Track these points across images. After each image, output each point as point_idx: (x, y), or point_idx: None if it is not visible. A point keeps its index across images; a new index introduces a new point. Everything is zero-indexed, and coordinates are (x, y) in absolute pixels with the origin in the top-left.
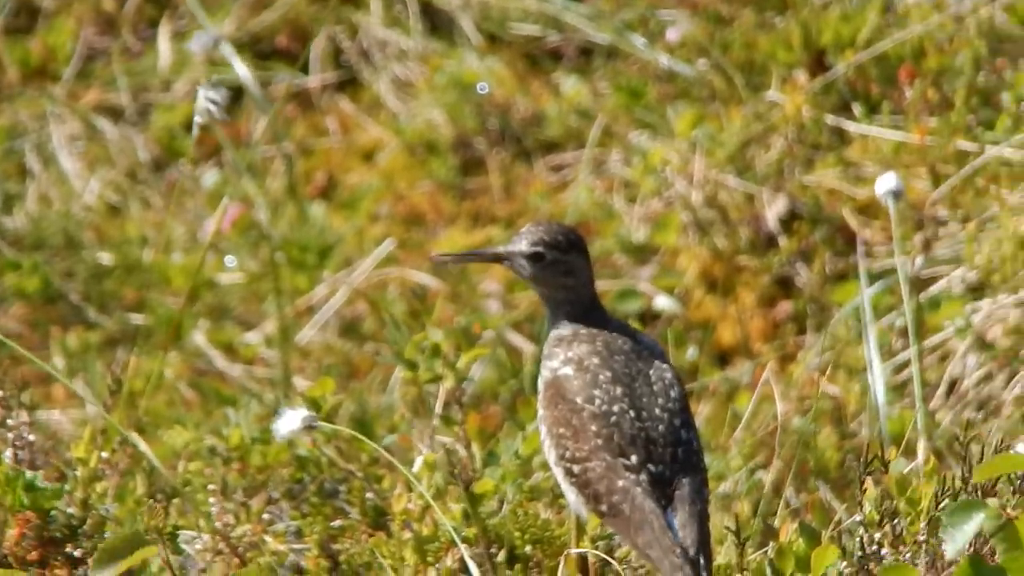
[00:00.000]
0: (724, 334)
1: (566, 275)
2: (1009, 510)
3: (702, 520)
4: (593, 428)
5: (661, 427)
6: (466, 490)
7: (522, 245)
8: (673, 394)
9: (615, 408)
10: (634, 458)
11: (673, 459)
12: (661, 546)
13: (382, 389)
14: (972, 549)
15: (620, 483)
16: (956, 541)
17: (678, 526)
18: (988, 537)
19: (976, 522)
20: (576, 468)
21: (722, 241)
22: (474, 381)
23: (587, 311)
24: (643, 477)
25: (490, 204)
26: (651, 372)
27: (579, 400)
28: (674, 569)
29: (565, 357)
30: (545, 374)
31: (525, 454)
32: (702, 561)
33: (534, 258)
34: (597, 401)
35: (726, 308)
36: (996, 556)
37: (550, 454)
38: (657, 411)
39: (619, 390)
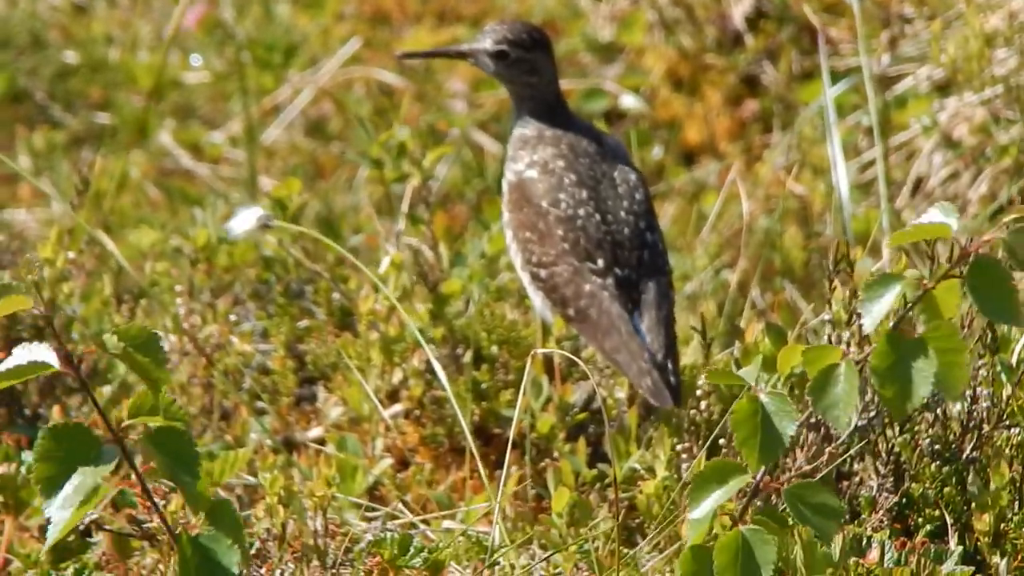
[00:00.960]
0: (690, 133)
1: (530, 73)
2: (928, 282)
3: (668, 324)
4: (559, 232)
5: (627, 230)
6: (432, 290)
7: (486, 43)
8: (638, 196)
9: (581, 211)
10: (600, 262)
11: (639, 262)
12: (628, 351)
13: (348, 188)
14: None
15: (587, 287)
16: (873, 314)
17: (645, 330)
18: (908, 308)
19: (893, 294)
20: (543, 273)
21: (688, 40)
22: (440, 181)
23: (551, 110)
24: (609, 281)
25: (456, 2)
26: (616, 174)
27: (544, 204)
28: (641, 374)
29: (530, 160)
30: (509, 176)
31: (491, 254)
32: (669, 365)
33: (498, 56)
34: (563, 204)
35: (692, 107)
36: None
37: (516, 258)
38: (622, 214)
39: (584, 193)
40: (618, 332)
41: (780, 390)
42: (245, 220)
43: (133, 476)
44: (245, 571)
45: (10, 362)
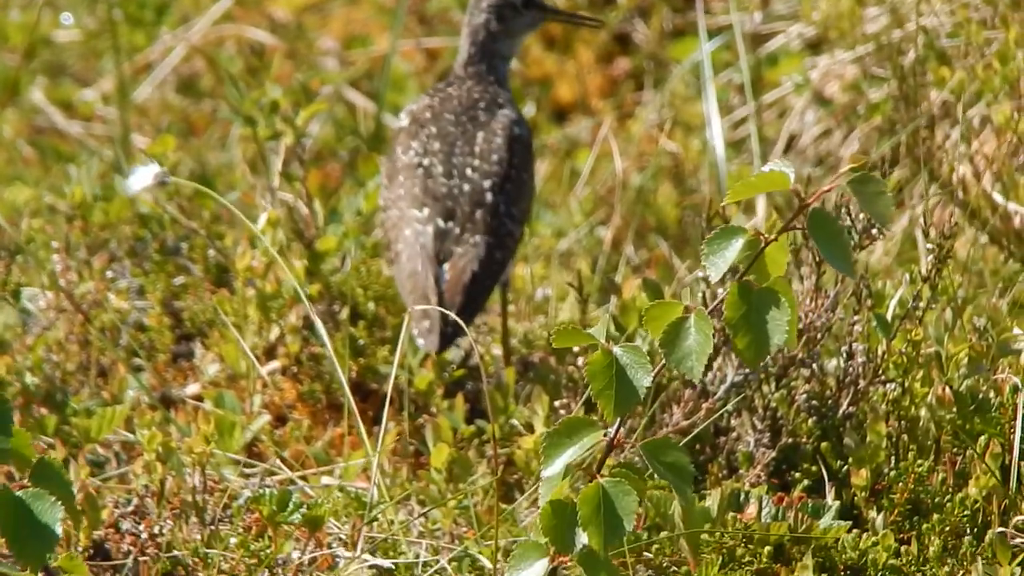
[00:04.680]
0: (562, 91)
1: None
2: (767, 235)
3: (475, 280)
4: (401, 178)
5: (467, 187)
6: (308, 247)
7: None
8: (494, 158)
9: (426, 161)
10: (426, 211)
11: (470, 219)
12: (418, 295)
13: (221, 146)
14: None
15: (407, 232)
16: (717, 267)
17: (446, 281)
18: (753, 259)
19: (736, 247)
20: (383, 216)
21: None
22: (313, 139)
23: (462, 66)
24: (428, 230)
25: None
26: (480, 134)
27: (399, 151)
28: (420, 317)
29: (408, 109)
30: (395, 124)
31: (366, 211)
32: (452, 316)
33: None
34: (412, 153)
35: (564, 65)
36: None
37: (379, 203)
38: (469, 171)
39: (437, 145)
40: (416, 276)
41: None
42: (142, 177)
43: None
44: (78, 530)
45: None
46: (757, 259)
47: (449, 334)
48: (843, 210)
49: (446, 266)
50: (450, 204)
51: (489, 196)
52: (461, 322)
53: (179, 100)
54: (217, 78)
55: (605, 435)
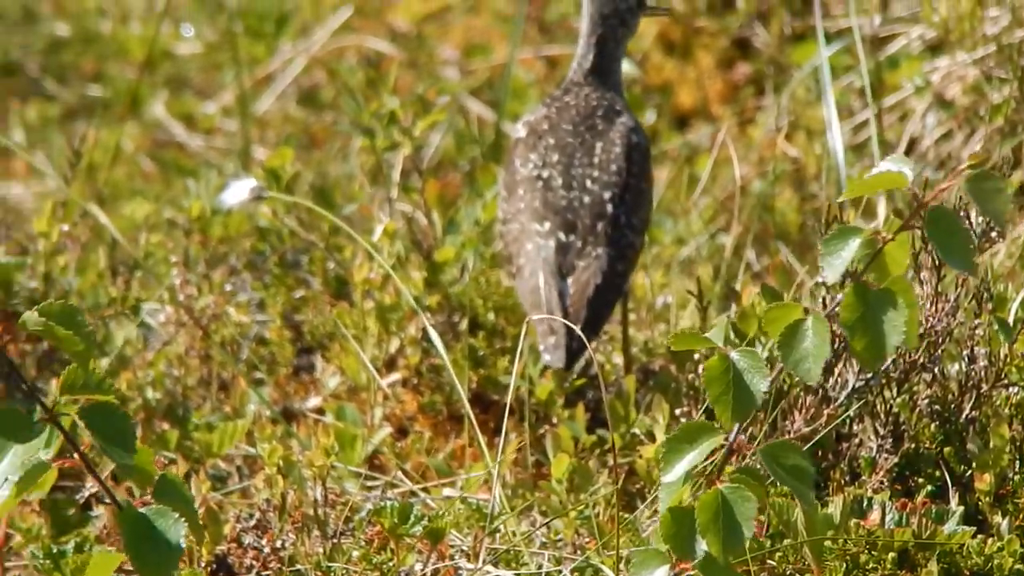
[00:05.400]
0: (683, 97)
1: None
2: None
3: (598, 293)
4: (520, 191)
5: (587, 199)
6: (427, 258)
7: None
8: (613, 168)
9: (545, 174)
10: (547, 224)
11: (591, 231)
12: (539, 310)
13: (341, 157)
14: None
15: (528, 246)
16: (834, 268)
17: (570, 295)
18: (870, 260)
19: (852, 248)
20: (503, 229)
21: (680, 3)
22: (432, 149)
23: (578, 70)
24: (550, 243)
25: None
26: (598, 144)
27: (517, 163)
28: (546, 333)
29: (526, 120)
30: (513, 135)
31: (485, 221)
32: (578, 331)
33: None
34: (530, 165)
35: (685, 71)
36: None
37: (498, 215)
38: (588, 183)
39: (556, 156)
40: (539, 291)
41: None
42: (238, 192)
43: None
44: (200, 545)
45: None
46: (875, 259)
47: (575, 349)
48: (963, 212)
49: (569, 280)
50: (570, 217)
51: (609, 207)
52: (585, 338)
53: (299, 112)
54: (337, 89)
55: (724, 441)
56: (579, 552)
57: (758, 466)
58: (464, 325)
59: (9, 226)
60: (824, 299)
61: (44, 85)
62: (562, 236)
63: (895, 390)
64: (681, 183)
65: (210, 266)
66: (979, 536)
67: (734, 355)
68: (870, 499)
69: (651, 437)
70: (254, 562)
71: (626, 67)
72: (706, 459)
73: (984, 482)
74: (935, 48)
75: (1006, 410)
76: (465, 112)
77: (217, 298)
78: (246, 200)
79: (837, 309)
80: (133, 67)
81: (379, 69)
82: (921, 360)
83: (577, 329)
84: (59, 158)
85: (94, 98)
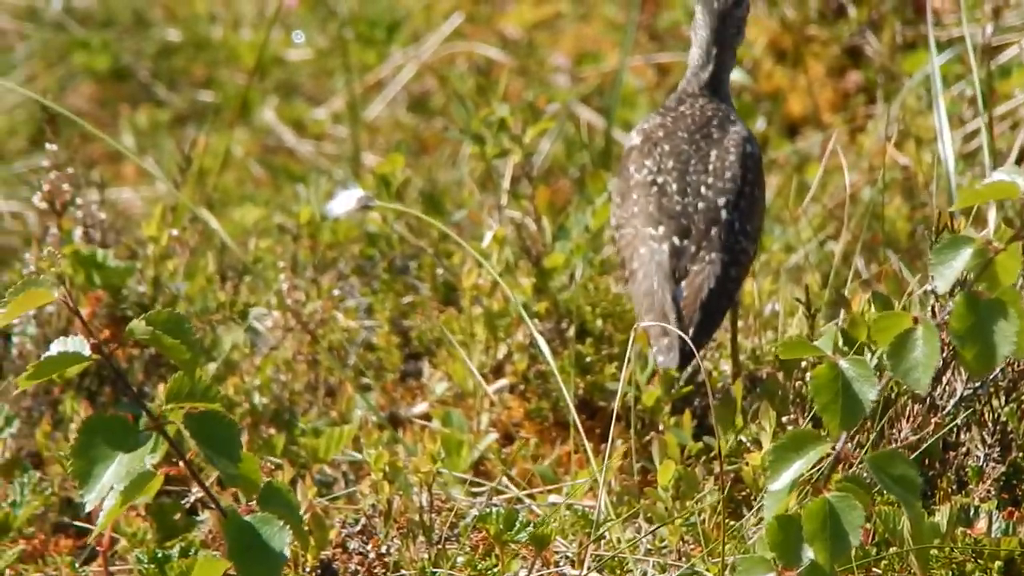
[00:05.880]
0: (793, 105)
1: (692, 31)
2: (997, 244)
3: (711, 298)
4: (634, 196)
5: (701, 204)
6: (536, 264)
7: None
8: (728, 175)
9: (660, 180)
10: (662, 229)
11: (705, 237)
12: (658, 313)
13: (451, 164)
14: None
15: (642, 251)
16: (945, 277)
17: (684, 299)
18: (982, 270)
19: (964, 257)
20: (616, 235)
21: (791, 11)
22: (543, 156)
23: (692, 79)
24: (664, 247)
25: None
26: (713, 152)
27: (631, 169)
28: (659, 334)
29: (640, 128)
30: (626, 143)
31: (594, 227)
32: (691, 332)
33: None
34: (645, 171)
35: (795, 79)
36: None
37: (611, 221)
38: (703, 189)
39: (671, 163)
40: (654, 294)
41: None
42: (345, 201)
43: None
44: (306, 551)
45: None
46: (986, 269)
47: (688, 351)
48: None
49: (683, 284)
50: (685, 222)
51: (724, 214)
52: (698, 341)
53: (410, 118)
54: (448, 96)
55: (832, 449)
56: (684, 559)
57: (865, 475)
58: (572, 331)
59: (119, 231)
60: (934, 308)
61: (155, 90)
62: (676, 241)
63: (1003, 399)
64: (790, 190)
65: (318, 271)
66: None
67: (843, 363)
68: (977, 508)
69: (758, 445)
70: (359, 567)
71: (737, 75)
72: (813, 467)
73: None
74: None
75: None
76: (575, 119)
77: (325, 303)
78: (353, 210)
79: (947, 318)
80: (243, 73)
81: (489, 76)
82: (1006, 359)
83: (688, 333)
84: (169, 163)
85: (204, 103)
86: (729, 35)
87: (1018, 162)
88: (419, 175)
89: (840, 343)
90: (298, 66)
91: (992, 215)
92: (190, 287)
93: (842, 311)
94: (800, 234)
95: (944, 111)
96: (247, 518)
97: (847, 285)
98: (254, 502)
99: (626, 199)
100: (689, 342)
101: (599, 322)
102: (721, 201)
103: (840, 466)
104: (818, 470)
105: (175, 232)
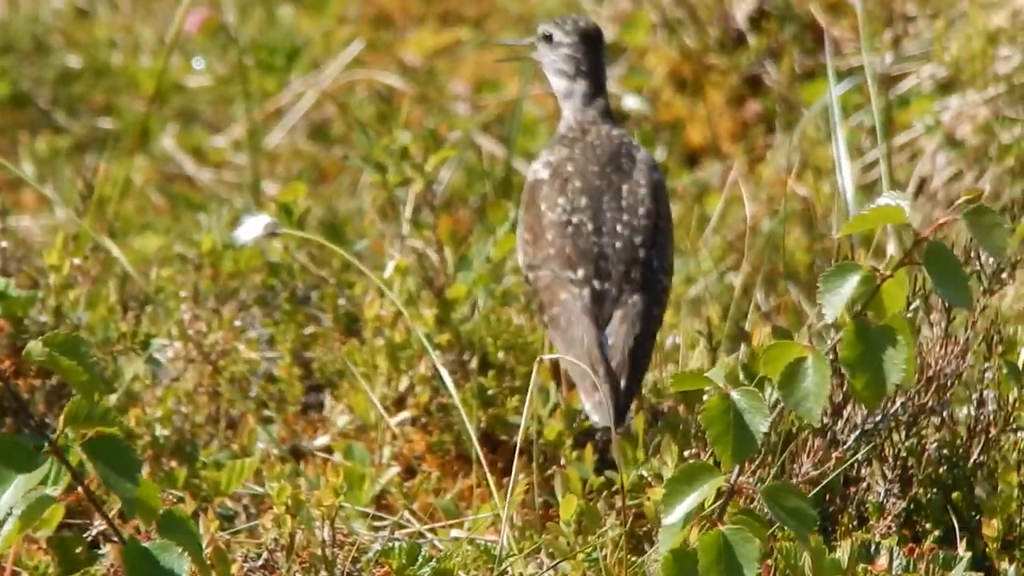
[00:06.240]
0: (693, 134)
1: (568, 61)
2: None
3: (638, 343)
4: (548, 237)
5: (618, 244)
6: (438, 295)
7: (540, 28)
8: (641, 211)
9: (575, 219)
10: (581, 272)
11: (625, 278)
12: (586, 363)
13: (351, 193)
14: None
15: (563, 295)
16: (833, 305)
17: (610, 346)
18: (869, 296)
19: (851, 284)
20: (531, 275)
21: (691, 40)
22: (443, 185)
23: (588, 106)
24: (585, 292)
25: (458, 4)
26: (624, 186)
27: (543, 207)
28: (591, 390)
29: (546, 160)
30: (528, 176)
31: (496, 258)
32: (623, 384)
33: (545, 40)
34: (559, 210)
35: (695, 108)
36: None
37: (518, 258)
38: (619, 227)
39: (584, 201)
40: (580, 343)
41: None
42: (252, 227)
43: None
44: None
45: None
46: (874, 296)
47: (623, 405)
48: (972, 253)
49: (608, 331)
50: (603, 264)
51: (641, 252)
52: (629, 394)
53: (310, 146)
54: (348, 124)
55: (726, 482)
56: None
57: (762, 509)
58: (474, 363)
59: (19, 259)
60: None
61: (54, 117)
62: (596, 284)
63: (903, 434)
64: (691, 221)
65: (220, 301)
66: None
67: (734, 395)
68: (878, 544)
69: (659, 479)
70: None
71: (636, 103)
72: (712, 501)
73: (992, 528)
74: (946, 87)
75: (1014, 455)
76: (476, 148)
77: (227, 334)
78: (260, 236)
79: (839, 347)
80: (143, 99)
81: (390, 104)
82: (930, 403)
83: (619, 386)
84: (69, 191)
85: (104, 130)
86: (602, 48)
87: (917, 192)
88: (319, 204)
89: (740, 376)
90: (198, 93)
91: (891, 247)
92: (91, 316)
93: (743, 344)
94: (700, 265)
95: (843, 141)
96: (146, 544)
97: (747, 317)
98: (154, 530)
99: (539, 239)
100: (622, 395)
101: (501, 354)
102: (638, 240)
103: (740, 500)
104: (716, 504)
105: (77, 261)
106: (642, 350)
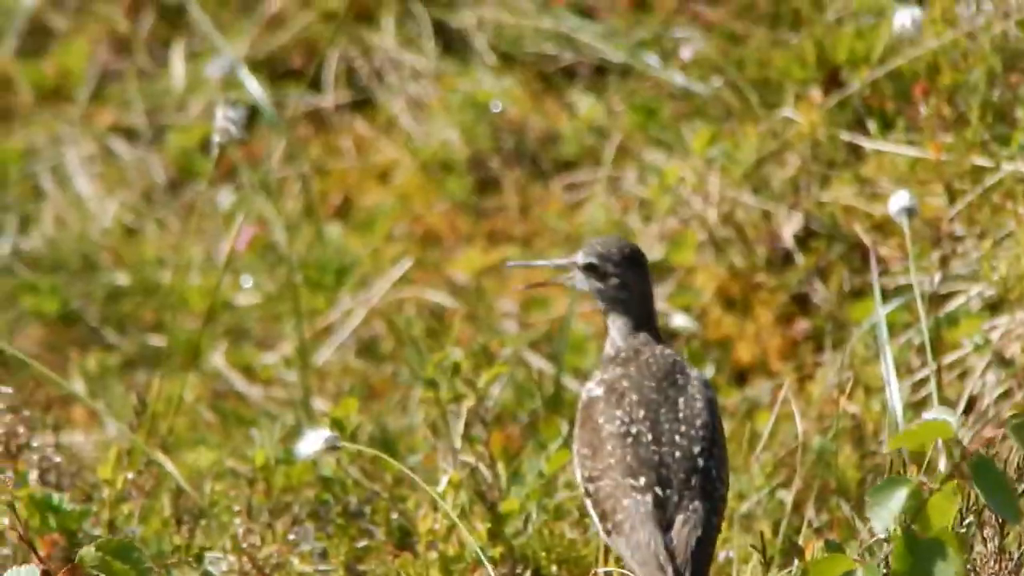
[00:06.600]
0: (742, 352)
1: (618, 289)
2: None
3: (701, 547)
4: (608, 448)
5: (677, 453)
6: (491, 509)
7: (579, 256)
8: (698, 423)
9: (633, 430)
10: (643, 480)
11: (685, 485)
12: (648, 567)
13: (401, 410)
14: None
15: (625, 502)
16: (882, 519)
17: (675, 551)
18: (906, 516)
19: (899, 498)
20: (591, 487)
21: (739, 259)
22: (493, 402)
23: (637, 330)
24: (648, 499)
25: (506, 223)
26: (680, 400)
27: (601, 420)
28: None
29: (600, 379)
30: (583, 395)
31: (549, 473)
32: None
33: (588, 268)
34: (617, 422)
35: (743, 326)
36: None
37: (576, 474)
38: (677, 438)
39: (642, 412)
40: (646, 547)
41: None
42: (313, 442)
43: None
44: None
45: None
46: (922, 510)
47: None
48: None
49: (671, 534)
50: (664, 472)
51: (700, 461)
52: None
53: (359, 363)
54: (397, 341)
55: None
56: None
57: None
58: None
59: (72, 474)
60: (887, 557)
61: (104, 335)
62: (659, 491)
63: None
64: (741, 438)
65: (273, 515)
66: None
67: None
68: None
69: None
70: None
71: (684, 321)
72: None
73: None
74: (994, 306)
75: None
76: (525, 365)
77: (280, 547)
78: (321, 450)
79: (890, 560)
80: (192, 316)
81: (440, 321)
82: None
83: None
84: (119, 407)
85: (154, 348)
86: (646, 276)
87: (967, 410)
88: (370, 420)
89: None
90: (247, 310)
91: (942, 465)
92: (145, 530)
93: (795, 559)
94: (752, 481)
95: (891, 360)
96: None
97: (800, 533)
98: None
99: (598, 451)
100: None
101: (554, 567)
102: (696, 449)
103: None
104: None
105: (131, 475)
106: (704, 554)
